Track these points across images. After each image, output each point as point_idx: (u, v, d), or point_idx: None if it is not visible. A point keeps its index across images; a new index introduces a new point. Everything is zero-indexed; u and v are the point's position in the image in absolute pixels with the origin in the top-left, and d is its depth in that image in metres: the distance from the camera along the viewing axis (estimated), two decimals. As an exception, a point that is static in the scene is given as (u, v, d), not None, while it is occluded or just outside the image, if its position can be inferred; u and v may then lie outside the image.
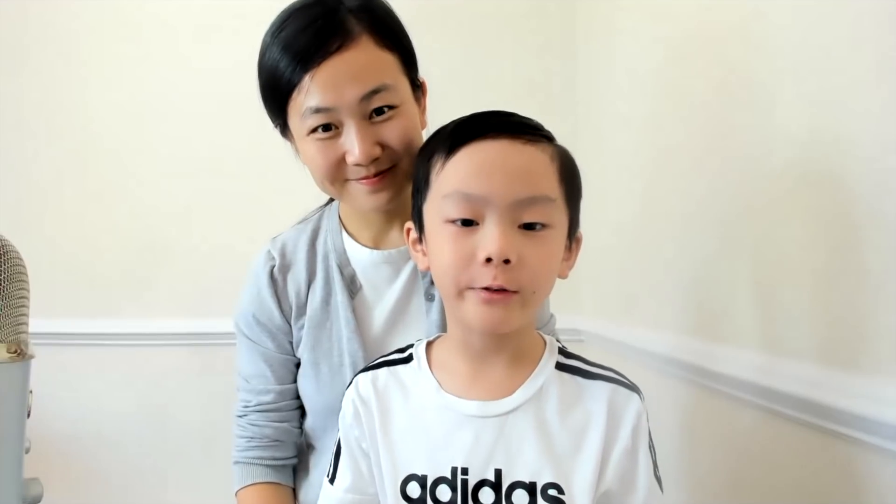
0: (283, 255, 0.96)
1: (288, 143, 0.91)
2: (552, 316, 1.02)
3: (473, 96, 1.82)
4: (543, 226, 0.67)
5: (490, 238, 0.65)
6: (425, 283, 0.93)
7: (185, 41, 1.92)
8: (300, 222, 1.02)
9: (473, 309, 0.67)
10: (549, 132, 0.73)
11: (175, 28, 1.93)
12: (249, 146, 1.79)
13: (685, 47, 1.23)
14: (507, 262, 0.64)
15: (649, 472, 0.71)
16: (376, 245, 0.95)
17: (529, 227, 0.66)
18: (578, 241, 0.75)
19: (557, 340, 0.78)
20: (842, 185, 0.84)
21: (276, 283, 0.95)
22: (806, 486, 0.92)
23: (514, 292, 0.66)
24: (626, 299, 1.57)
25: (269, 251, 0.97)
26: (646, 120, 1.42)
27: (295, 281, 0.95)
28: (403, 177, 0.86)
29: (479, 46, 1.87)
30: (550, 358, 0.74)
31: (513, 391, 0.71)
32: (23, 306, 0.84)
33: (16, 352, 0.81)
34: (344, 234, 0.97)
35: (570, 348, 0.77)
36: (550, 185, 0.68)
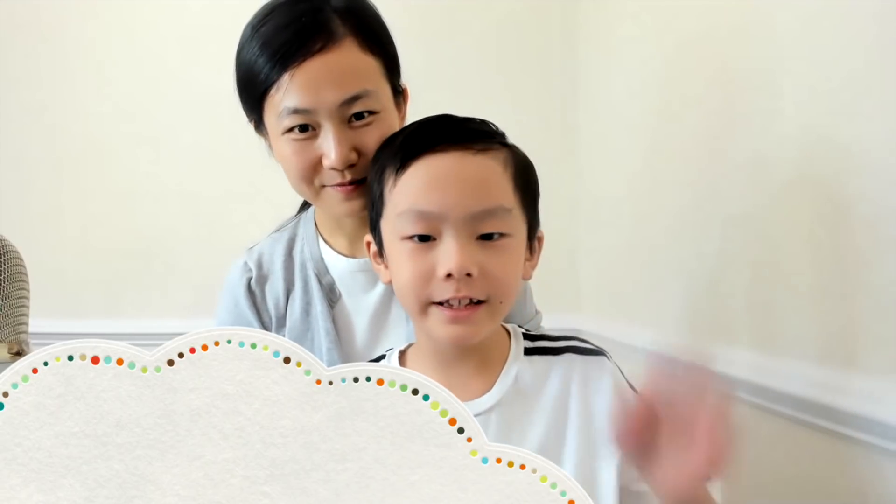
0: (259, 265, 0.94)
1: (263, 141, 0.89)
2: (538, 312, 0.99)
3: (473, 97, 1.85)
4: (502, 235, 0.67)
5: (449, 254, 0.64)
6: None
7: (185, 42, 1.92)
8: (276, 231, 0.99)
9: (439, 326, 0.67)
10: (500, 134, 0.72)
11: (175, 28, 1.93)
12: (250, 146, 1.78)
13: (686, 48, 1.23)
14: (468, 275, 0.64)
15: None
16: (352, 253, 0.92)
17: (487, 237, 0.66)
18: (540, 240, 0.75)
19: (520, 326, 0.78)
20: (841, 186, 0.84)
21: (254, 294, 0.92)
22: (805, 486, 0.92)
23: (482, 302, 0.66)
24: (626, 299, 1.57)
25: (245, 263, 0.94)
26: (646, 120, 1.42)
27: (273, 292, 0.93)
28: None
29: (480, 47, 1.87)
30: (518, 347, 0.74)
31: (489, 388, 0.71)
32: (23, 306, 0.84)
33: (16, 352, 0.81)
34: (321, 241, 0.94)
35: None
36: (505, 194, 0.68)
